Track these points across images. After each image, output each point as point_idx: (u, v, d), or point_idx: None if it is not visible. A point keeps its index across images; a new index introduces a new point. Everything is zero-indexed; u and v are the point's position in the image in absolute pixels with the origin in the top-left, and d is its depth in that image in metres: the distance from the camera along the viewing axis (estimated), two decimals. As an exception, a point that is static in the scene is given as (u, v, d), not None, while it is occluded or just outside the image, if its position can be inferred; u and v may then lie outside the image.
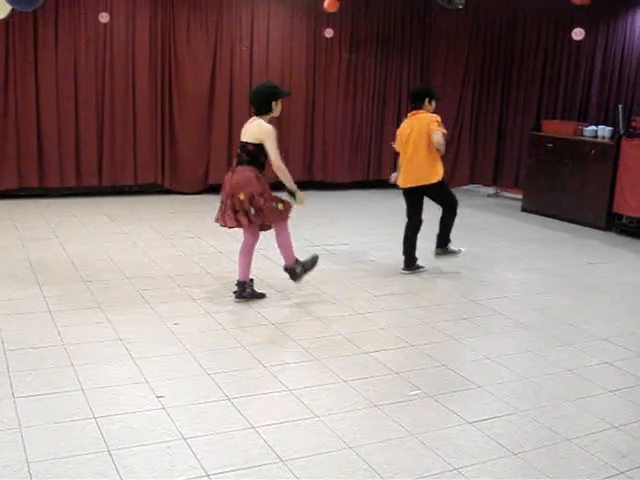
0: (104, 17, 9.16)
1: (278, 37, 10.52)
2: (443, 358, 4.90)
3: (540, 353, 5.10)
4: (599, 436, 3.93)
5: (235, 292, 5.80)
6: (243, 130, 5.69)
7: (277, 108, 5.70)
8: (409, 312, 5.86)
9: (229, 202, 5.59)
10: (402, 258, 6.97)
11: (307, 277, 6.51)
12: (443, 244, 7.02)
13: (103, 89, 9.52)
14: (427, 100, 6.72)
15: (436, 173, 6.68)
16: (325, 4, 9.50)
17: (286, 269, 5.95)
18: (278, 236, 5.83)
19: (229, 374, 4.43)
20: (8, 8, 5.40)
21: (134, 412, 3.87)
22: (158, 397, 4.05)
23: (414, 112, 6.76)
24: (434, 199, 6.88)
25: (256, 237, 5.84)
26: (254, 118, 5.66)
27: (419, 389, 4.36)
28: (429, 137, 6.55)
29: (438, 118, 6.59)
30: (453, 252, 7.06)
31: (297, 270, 5.93)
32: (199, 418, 3.86)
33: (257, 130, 5.56)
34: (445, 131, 6.65)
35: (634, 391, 4.55)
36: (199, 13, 9.87)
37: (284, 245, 5.87)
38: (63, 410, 3.84)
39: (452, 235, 7.02)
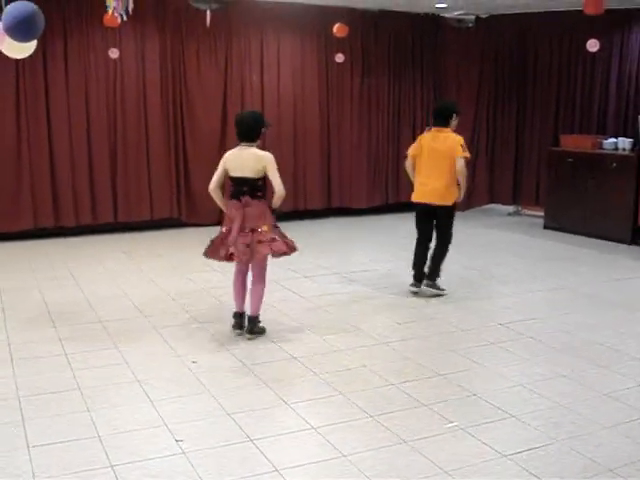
0: (114, 53, 9.12)
1: (289, 65, 10.45)
2: (473, 387, 4.71)
3: (574, 377, 4.89)
4: (643, 465, 3.73)
5: (245, 328, 5.64)
6: (235, 162, 5.46)
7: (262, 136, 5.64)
8: (433, 339, 5.67)
9: (245, 235, 5.39)
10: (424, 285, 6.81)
11: (328, 305, 6.39)
12: (431, 277, 6.77)
13: (115, 125, 9.47)
14: (454, 116, 6.56)
15: (452, 196, 6.57)
16: (335, 29, 9.42)
17: (249, 318, 5.63)
18: (259, 280, 5.58)
19: (250, 413, 4.26)
20: (32, 47, 5.33)
21: (153, 458, 3.71)
22: (177, 441, 3.89)
23: (439, 128, 6.54)
24: (439, 223, 6.72)
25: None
26: (243, 147, 5.47)
27: (451, 422, 4.16)
28: (452, 159, 6.39)
29: (463, 141, 6.44)
30: (438, 289, 6.75)
31: (259, 324, 5.67)
32: (221, 463, 3.69)
33: (257, 161, 5.40)
34: (469, 155, 6.52)
35: (676, 414, 4.34)
36: (208, 45, 9.83)
37: (261, 294, 5.61)
38: (80, 459, 3.69)
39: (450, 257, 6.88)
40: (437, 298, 6.69)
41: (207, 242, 5.70)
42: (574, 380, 4.85)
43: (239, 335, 5.62)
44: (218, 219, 10.04)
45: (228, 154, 5.57)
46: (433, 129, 6.63)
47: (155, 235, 9.60)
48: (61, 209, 9.27)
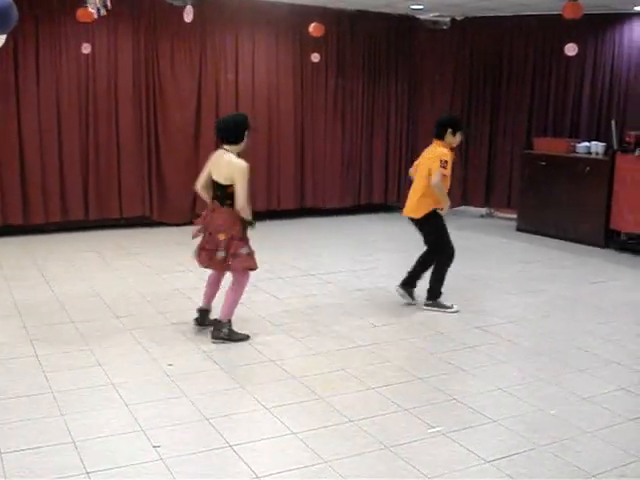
0: (86, 48, 8.95)
1: (263, 63, 10.36)
2: (453, 391, 4.67)
3: (553, 381, 4.87)
4: (626, 470, 3.71)
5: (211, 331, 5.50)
6: (213, 165, 5.33)
7: (247, 139, 5.40)
8: (412, 342, 5.63)
9: (208, 242, 5.33)
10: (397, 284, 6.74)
11: (305, 308, 6.32)
12: (409, 285, 6.57)
13: (87, 121, 9.30)
14: (450, 131, 6.28)
15: (423, 209, 6.31)
16: (310, 28, 9.36)
17: (216, 321, 5.47)
18: (235, 288, 5.41)
19: (229, 418, 4.18)
20: (1, 41, 5.16)
21: (129, 465, 3.60)
22: (155, 447, 3.79)
23: (436, 142, 6.35)
24: (422, 236, 6.49)
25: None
26: (223, 152, 5.29)
27: (432, 427, 4.12)
28: (429, 172, 6.22)
29: (446, 157, 6.18)
30: (441, 307, 6.43)
31: (224, 330, 5.40)
32: (199, 469, 3.60)
33: (228, 169, 5.20)
34: (447, 172, 6.20)
35: (656, 419, 4.34)
36: (183, 42, 9.70)
37: (233, 300, 5.43)
38: (54, 465, 3.58)
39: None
40: (415, 303, 6.62)
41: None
42: (553, 384, 4.83)
43: (198, 330, 5.64)
44: (190, 218, 9.95)
45: (213, 155, 5.45)
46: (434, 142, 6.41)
47: (126, 233, 9.44)
48: (30, 206, 9.10)
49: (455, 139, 6.37)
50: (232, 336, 5.42)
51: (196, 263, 5.54)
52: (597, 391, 4.72)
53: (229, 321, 5.44)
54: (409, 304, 6.53)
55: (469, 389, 4.75)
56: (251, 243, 5.40)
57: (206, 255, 5.35)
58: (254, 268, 5.37)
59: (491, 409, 4.39)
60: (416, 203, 6.38)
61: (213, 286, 5.69)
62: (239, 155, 5.31)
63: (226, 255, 5.25)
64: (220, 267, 5.41)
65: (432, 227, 6.41)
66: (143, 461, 3.65)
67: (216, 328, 5.43)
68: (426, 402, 4.48)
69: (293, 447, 3.85)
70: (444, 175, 6.19)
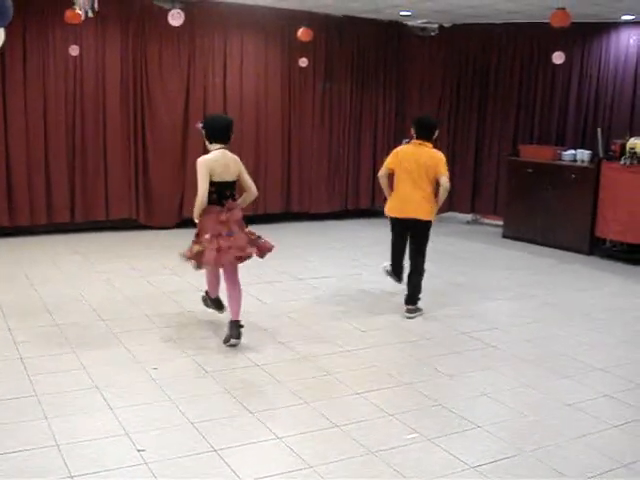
0: (74, 50, 8.91)
1: (252, 67, 10.35)
2: (439, 396, 4.67)
3: (538, 387, 4.89)
4: (608, 477, 3.73)
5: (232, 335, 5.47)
6: (220, 167, 5.27)
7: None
8: (399, 347, 5.64)
9: (236, 238, 5.37)
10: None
11: (291, 312, 6.31)
12: (414, 301, 6.49)
13: (74, 123, 9.26)
14: (437, 132, 6.54)
15: (431, 211, 6.39)
16: (299, 33, 9.37)
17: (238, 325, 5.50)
18: (238, 285, 5.58)
19: (214, 422, 4.16)
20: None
21: (114, 469, 3.58)
22: (139, 451, 3.77)
23: (421, 142, 6.37)
24: (418, 238, 6.44)
25: None
26: (224, 151, 5.38)
27: (416, 432, 4.12)
28: (436, 175, 6.26)
29: (444, 159, 6.33)
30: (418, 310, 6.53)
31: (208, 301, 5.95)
32: (184, 473, 3.59)
33: (236, 165, 5.47)
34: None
35: (639, 425, 4.36)
36: (171, 45, 9.68)
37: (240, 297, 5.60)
38: (38, 469, 3.55)
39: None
40: (401, 307, 6.60)
41: (186, 253, 5.39)
42: (538, 390, 4.85)
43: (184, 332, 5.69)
44: (176, 222, 9.94)
45: (211, 159, 5.28)
46: (415, 142, 6.40)
47: (112, 236, 9.40)
48: (16, 208, 9.04)
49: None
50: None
51: (206, 264, 5.37)
52: (582, 397, 4.74)
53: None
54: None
55: (455, 395, 4.76)
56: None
57: (236, 251, 5.30)
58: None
59: (476, 415, 4.40)
60: (425, 205, 6.35)
61: (219, 280, 5.74)
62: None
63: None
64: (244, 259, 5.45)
65: (429, 233, 6.48)
66: (128, 465, 3.63)
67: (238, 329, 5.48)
68: (411, 407, 4.48)
69: (278, 452, 3.84)
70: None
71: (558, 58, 8.81)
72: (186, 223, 8.32)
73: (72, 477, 3.49)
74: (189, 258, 5.34)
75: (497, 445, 4.02)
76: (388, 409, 4.43)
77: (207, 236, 5.25)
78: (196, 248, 5.28)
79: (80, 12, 5.89)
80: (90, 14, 6.04)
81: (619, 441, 4.15)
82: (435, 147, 6.45)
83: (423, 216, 6.35)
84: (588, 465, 3.83)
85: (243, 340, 5.48)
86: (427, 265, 6.52)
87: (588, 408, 4.57)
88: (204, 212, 5.31)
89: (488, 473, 3.69)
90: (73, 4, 5.92)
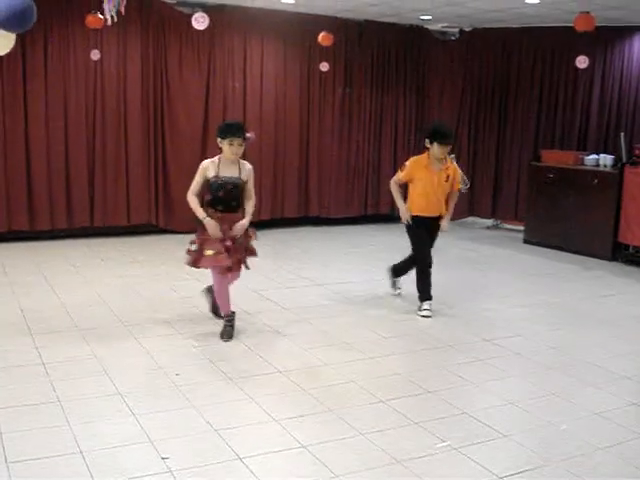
0: (95, 54, 8.94)
1: (272, 72, 10.35)
2: (463, 404, 4.61)
3: (564, 396, 4.82)
4: (640, 488, 3.66)
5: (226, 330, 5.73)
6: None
7: (224, 147, 5.53)
8: (422, 354, 5.58)
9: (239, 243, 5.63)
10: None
11: (312, 318, 6.27)
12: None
13: (94, 128, 9.29)
14: (427, 141, 6.51)
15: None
16: (319, 38, 9.35)
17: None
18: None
19: (237, 429, 4.12)
20: (11, 43, 5.12)
21: (138, 477, 3.55)
22: (163, 458, 3.74)
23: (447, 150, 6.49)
24: (436, 234, 6.68)
25: None
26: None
27: (443, 441, 4.07)
28: (453, 183, 6.57)
29: (408, 161, 6.68)
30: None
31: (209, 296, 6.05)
32: (209, 481, 3.56)
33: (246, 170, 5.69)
34: (398, 174, 6.72)
35: (669, 436, 4.28)
36: (191, 49, 9.70)
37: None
38: (62, 477, 3.52)
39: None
40: (421, 311, 6.57)
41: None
42: (564, 399, 4.78)
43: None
44: (196, 226, 9.90)
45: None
46: (444, 150, 6.43)
47: (132, 241, 9.42)
48: (36, 212, 9.08)
49: None
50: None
51: (210, 265, 5.63)
52: (610, 406, 4.66)
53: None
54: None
55: (478, 403, 4.69)
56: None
57: (235, 255, 5.57)
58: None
59: (502, 423, 4.34)
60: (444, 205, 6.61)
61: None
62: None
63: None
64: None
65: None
66: (152, 473, 3.59)
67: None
68: (436, 416, 4.43)
69: (303, 460, 3.80)
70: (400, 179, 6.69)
71: (582, 62, 8.74)
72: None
73: (96, 484, 3.46)
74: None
75: (525, 455, 3.96)
76: (412, 417, 4.37)
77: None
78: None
79: (107, 16, 5.87)
80: (115, 18, 6.03)
81: (649, 451, 4.08)
82: (456, 151, 6.66)
83: (442, 213, 6.69)
84: (618, 476, 3.76)
85: (265, 346, 5.46)
86: (448, 270, 6.55)
87: (616, 418, 4.50)
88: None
89: (516, 484, 3.63)
90: (96, 10, 5.90)
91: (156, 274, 7.69)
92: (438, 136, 6.37)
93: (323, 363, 5.27)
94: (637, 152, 8.95)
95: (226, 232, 5.50)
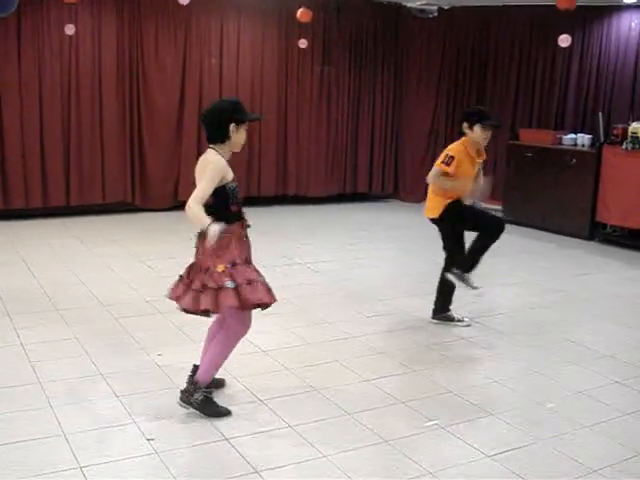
0: (70, 29, 8.73)
1: (249, 48, 10.21)
2: (448, 383, 4.61)
3: (548, 374, 4.84)
4: (625, 465, 3.67)
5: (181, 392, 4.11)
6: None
7: (238, 135, 3.94)
8: (403, 333, 5.56)
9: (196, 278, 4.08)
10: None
11: (293, 297, 6.21)
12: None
13: (69, 104, 9.09)
14: (465, 125, 5.56)
15: (435, 208, 5.63)
16: (298, 14, 9.23)
17: (191, 383, 4.03)
18: (220, 341, 4.10)
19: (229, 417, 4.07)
20: None
21: (124, 459, 3.50)
22: (148, 440, 3.69)
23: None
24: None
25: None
26: (208, 150, 4.01)
27: (431, 420, 4.05)
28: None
29: (450, 152, 5.53)
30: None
31: (196, 396, 3.96)
32: (197, 463, 3.51)
33: (201, 166, 3.93)
34: (444, 168, 5.47)
35: (653, 413, 4.32)
36: (167, 25, 9.52)
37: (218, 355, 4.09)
38: (45, 460, 3.45)
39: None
40: (404, 293, 6.54)
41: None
42: (548, 377, 4.80)
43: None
44: (173, 204, 9.79)
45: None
46: (486, 132, 5.57)
47: (108, 219, 9.28)
48: (10, 191, 8.88)
49: (473, 133, 5.57)
50: (205, 409, 3.98)
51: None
52: (593, 384, 4.69)
53: (207, 386, 4.05)
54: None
55: (465, 382, 4.69)
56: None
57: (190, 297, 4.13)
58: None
59: (488, 402, 4.34)
60: (429, 203, 5.76)
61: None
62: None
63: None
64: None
65: (443, 231, 5.87)
66: (138, 455, 3.54)
67: (187, 390, 4.03)
68: (421, 395, 4.41)
69: (291, 441, 3.77)
70: (444, 171, 5.49)
71: (564, 41, 8.68)
72: (183, 205, 8.19)
73: (81, 467, 3.40)
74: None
75: (513, 433, 3.96)
76: (398, 396, 4.36)
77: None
78: None
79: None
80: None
81: (633, 429, 4.10)
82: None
83: (428, 215, 5.72)
84: (605, 454, 3.78)
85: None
86: (427, 250, 6.45)
87: (600, 395, 4.52)
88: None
89: (506, 462, 3.62)
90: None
91: (133, 253, 7.58)
92: (483, 117, 5.50)
93: (306, 342, 5.23)
94: (615, 132, 8.96)
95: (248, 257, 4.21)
